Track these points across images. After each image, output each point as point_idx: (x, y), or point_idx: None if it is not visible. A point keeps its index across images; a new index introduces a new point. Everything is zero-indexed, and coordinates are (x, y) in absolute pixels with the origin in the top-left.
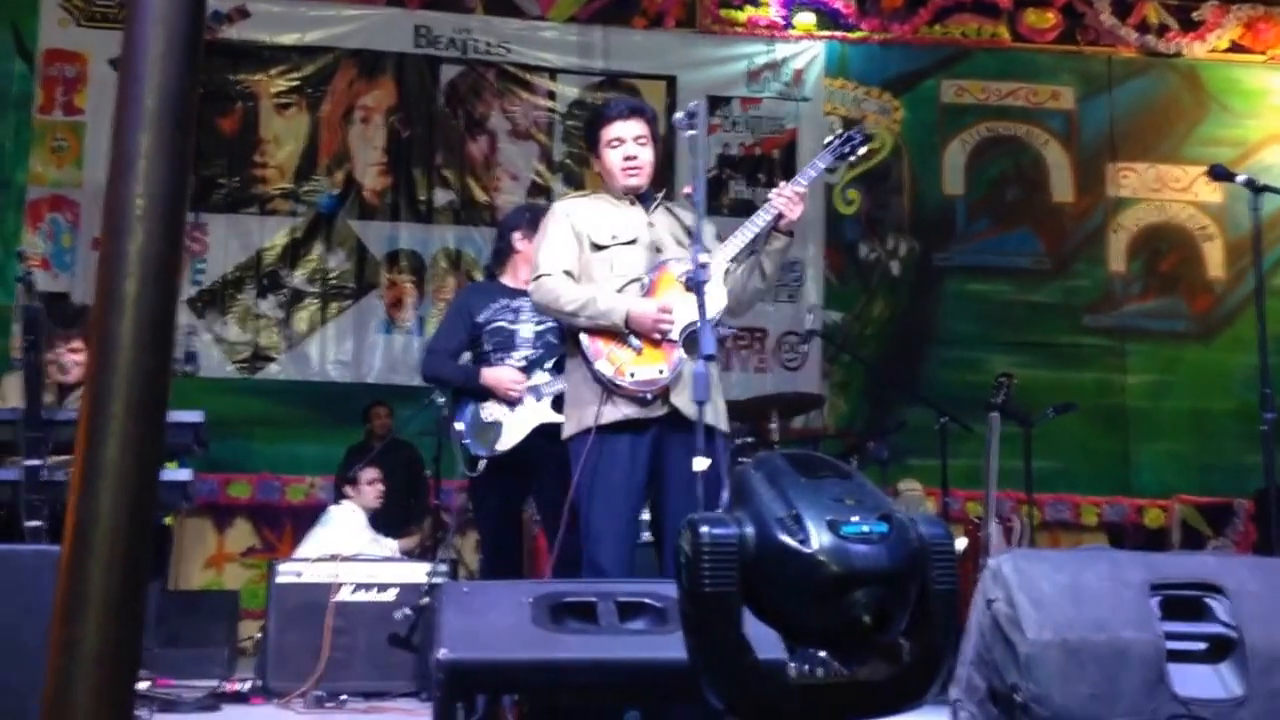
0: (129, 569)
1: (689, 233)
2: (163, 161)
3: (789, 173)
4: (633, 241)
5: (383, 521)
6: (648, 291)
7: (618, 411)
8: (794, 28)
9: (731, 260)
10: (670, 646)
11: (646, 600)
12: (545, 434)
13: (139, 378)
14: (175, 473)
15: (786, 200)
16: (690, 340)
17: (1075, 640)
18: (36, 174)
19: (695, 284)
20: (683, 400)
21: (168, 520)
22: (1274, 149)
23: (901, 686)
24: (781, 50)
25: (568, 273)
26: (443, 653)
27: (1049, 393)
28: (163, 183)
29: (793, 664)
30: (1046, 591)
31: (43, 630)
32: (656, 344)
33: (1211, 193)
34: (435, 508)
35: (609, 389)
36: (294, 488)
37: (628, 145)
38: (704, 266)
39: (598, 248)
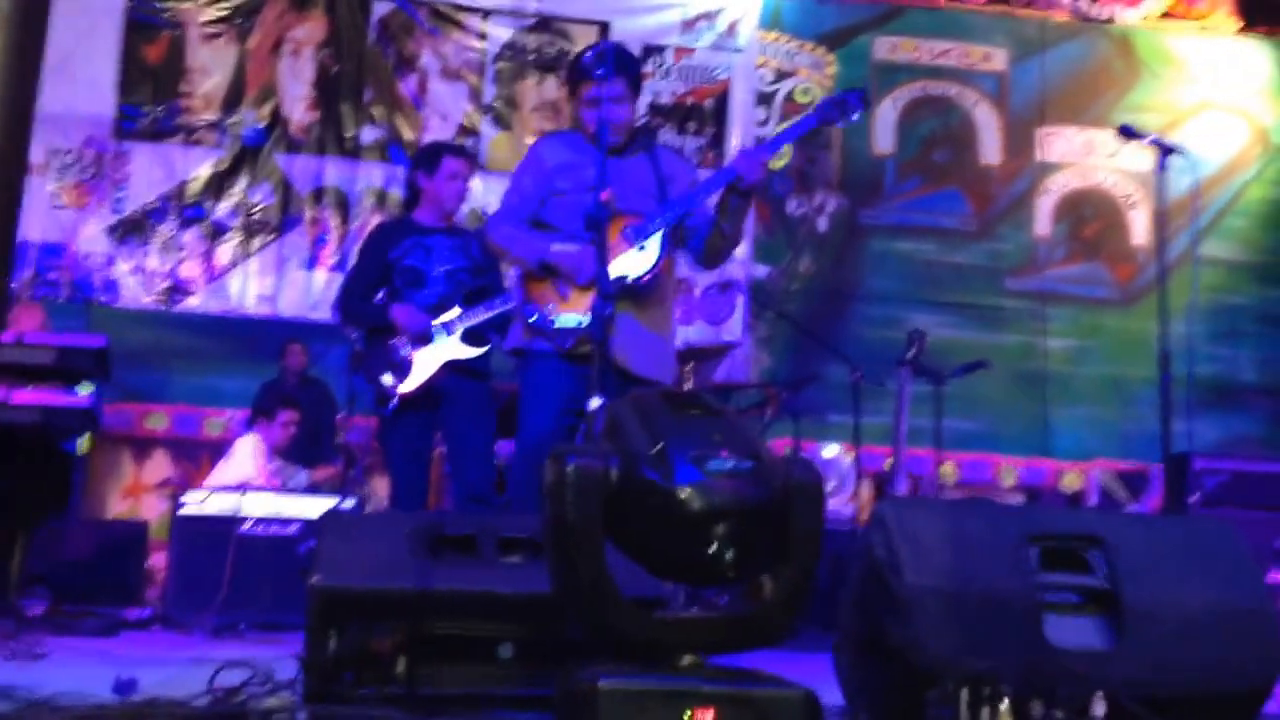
0: None
1: (661, 185)
2: (11, 62)
3: (720, 123)
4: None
5: (291, 456)
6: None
7: None
8: None
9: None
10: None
11: (528, 534)
12: (456, 370)
13: None
14: (78, 396)
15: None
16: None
17: (951, 588)
18: None
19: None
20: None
21: (83, 447)
22: (1203, 117)
23: (763, 623)
24: (716, 0)
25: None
26: (316, 579)
27: (970, 354)
28: (9, 84)
29: (656, 598)
30: (926, 539)
31: None
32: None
33: (1138, 160)
34: (346, 446)
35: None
36: (212, 421)
37: (605, 107)
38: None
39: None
